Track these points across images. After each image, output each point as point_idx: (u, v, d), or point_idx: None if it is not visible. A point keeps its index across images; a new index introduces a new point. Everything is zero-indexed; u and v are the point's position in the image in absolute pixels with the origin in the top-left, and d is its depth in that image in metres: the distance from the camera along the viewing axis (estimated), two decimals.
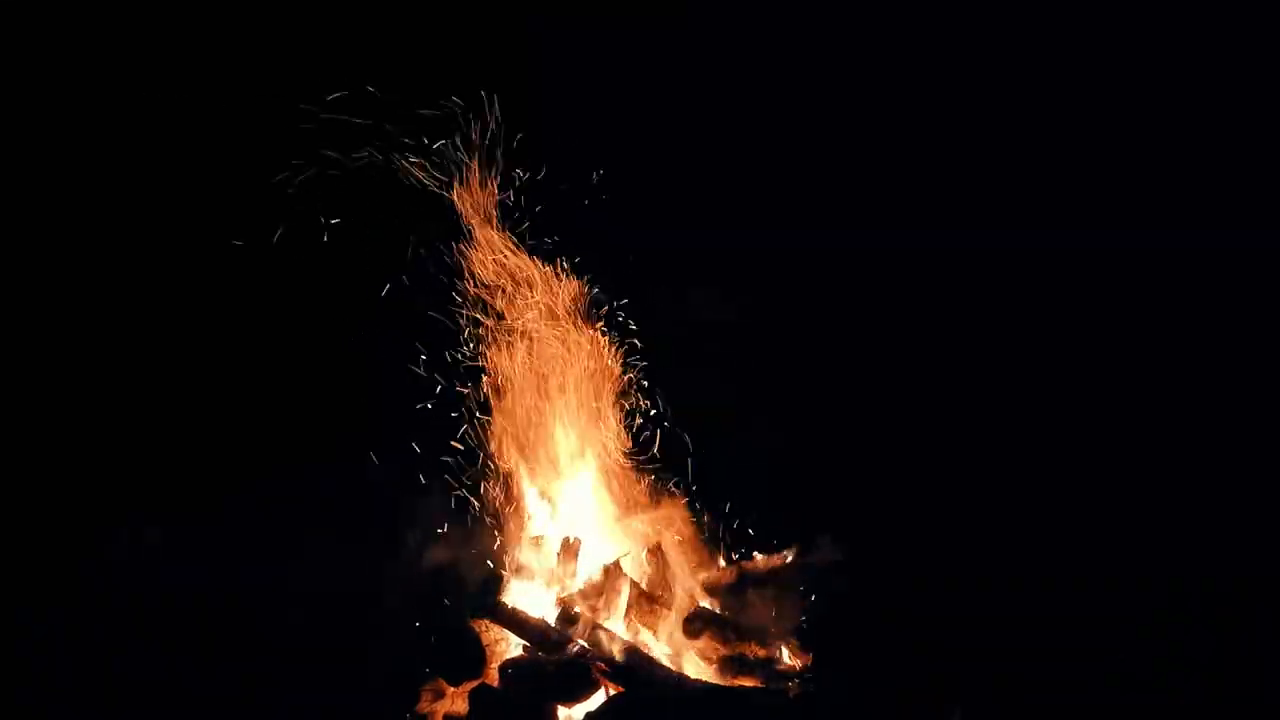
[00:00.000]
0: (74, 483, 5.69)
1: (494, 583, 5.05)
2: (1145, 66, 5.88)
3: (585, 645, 4.86)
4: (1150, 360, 5.70)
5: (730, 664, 4.97)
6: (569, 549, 5.13)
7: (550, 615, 5.02)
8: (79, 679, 5.11)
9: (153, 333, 5.67)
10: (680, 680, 4.80)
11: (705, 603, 5.20)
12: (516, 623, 5.01)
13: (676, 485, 5.39)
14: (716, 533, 5.45)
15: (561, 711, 4.80)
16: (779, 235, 6.18)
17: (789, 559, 5.35)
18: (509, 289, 5.23)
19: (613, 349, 5.30)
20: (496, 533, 5.27)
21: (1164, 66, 5.88)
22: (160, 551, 5.71)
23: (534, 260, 5.24)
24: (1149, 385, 5.69)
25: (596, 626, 4.93)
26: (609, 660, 4.81)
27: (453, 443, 5.24)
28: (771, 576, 5.29)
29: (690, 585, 5.26)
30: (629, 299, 5.36)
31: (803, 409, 6.06)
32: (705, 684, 4.83)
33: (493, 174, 5.16)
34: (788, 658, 5.00)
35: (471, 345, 5.23)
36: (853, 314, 6.23)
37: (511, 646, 5.04)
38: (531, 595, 5.13)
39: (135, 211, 5.74)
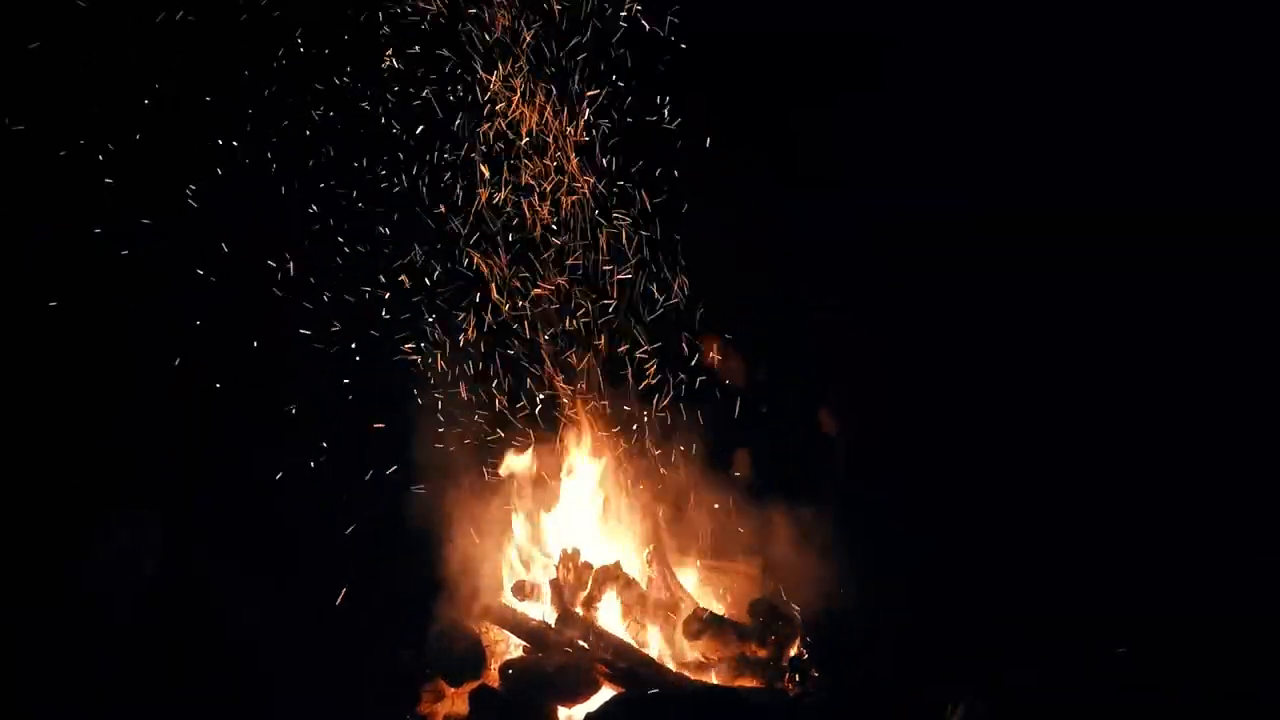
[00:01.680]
0: (62, 483, 5.62)
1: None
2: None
3: (585, 646, 4.84)
4: (1149, 360, 5.73)
5: (730, 664, 4.97)
6: (569, 557, 5.11)
7: (550, 616, 5.00)
8: (67, 680, 5.04)
9: (147, 331, 5.60)
10: (680, 680, 4.80)
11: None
12: (516, 623, 5.00)
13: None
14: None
15: (561, 712, 4.78)
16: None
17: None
18: None
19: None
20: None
21: None
22: (149, 551, 5.65)
23: None
24: (1147, 386, 5.72)
25: (596, 627, 4.92)
26: (609, 661, 4.80)
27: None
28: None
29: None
30: None
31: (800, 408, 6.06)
32: (705, 684, 4.83)
33: None
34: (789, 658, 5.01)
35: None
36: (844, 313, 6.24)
37: (511, 647, 5.03)
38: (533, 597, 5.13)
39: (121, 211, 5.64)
